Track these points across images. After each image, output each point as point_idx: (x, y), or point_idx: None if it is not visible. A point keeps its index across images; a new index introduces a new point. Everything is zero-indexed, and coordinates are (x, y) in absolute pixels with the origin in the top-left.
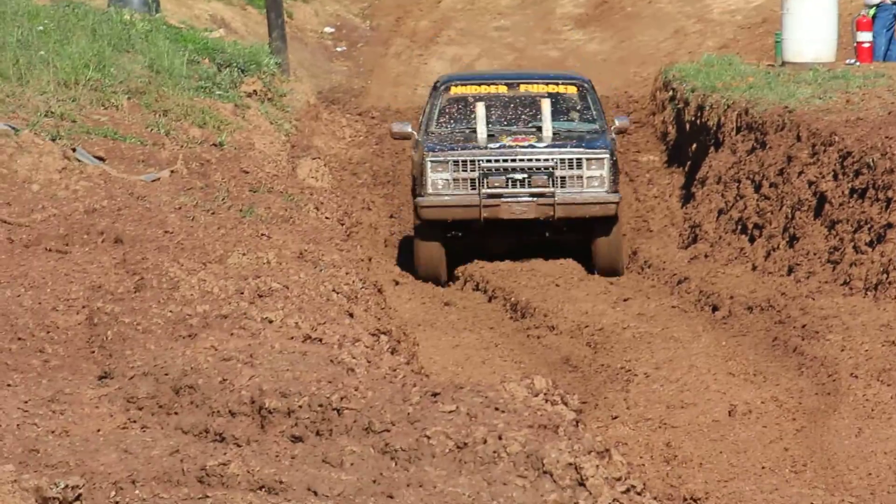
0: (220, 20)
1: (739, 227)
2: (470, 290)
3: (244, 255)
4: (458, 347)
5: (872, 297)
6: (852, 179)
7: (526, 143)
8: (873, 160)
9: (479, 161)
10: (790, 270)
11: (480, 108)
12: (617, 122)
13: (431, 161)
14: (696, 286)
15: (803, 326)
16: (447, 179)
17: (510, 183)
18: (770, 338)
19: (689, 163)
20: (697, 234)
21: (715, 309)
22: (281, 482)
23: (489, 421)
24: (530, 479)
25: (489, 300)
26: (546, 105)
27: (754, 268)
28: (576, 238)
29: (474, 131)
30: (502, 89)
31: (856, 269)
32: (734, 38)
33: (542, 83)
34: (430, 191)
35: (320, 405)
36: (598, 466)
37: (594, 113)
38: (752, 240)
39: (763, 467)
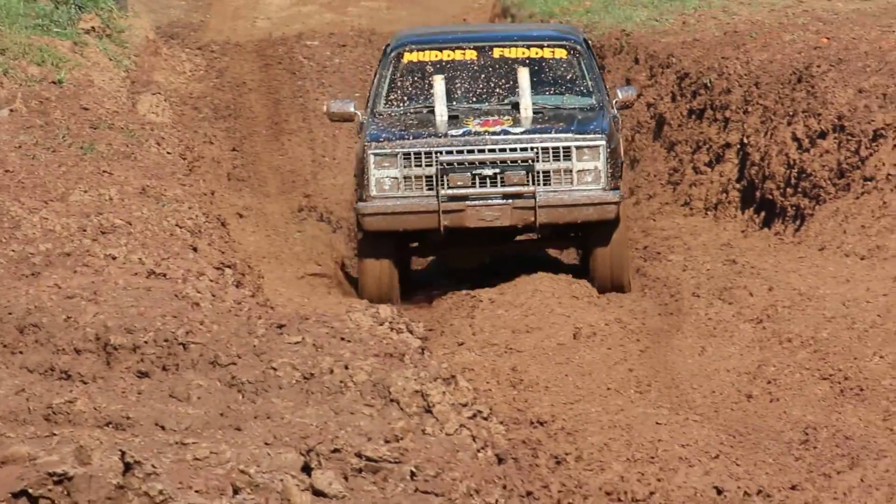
0: None
1: None
2: (314, 221)
3: (86, 192)
4: (303, 279)
5: (713, 216)
6: (690, 100)
7: (498, 128)
8: (710, 80)
9: (436, 153)
10: (631, 192)
11: (439, 83)
12: (620, 94)
13: (375, 154)
14: None
15: (645, 248)
16: (396, 178)
17: (478, 181)
18: None
19: None
20: None
21: None
22: (128, 418)
23: (335, 351)
24: (377, 407)
25: (334, 231)
26: (524, 75)
27: None
28: (566, 248)
29: (433, 111)
30: (471, 55)
31: (695, 189)
32: None
33: (523, 45)
34: (374, 193)
35: (166, 340)
36: (444, 393)
37: (590, 83)
38: None
39: (608, 388)
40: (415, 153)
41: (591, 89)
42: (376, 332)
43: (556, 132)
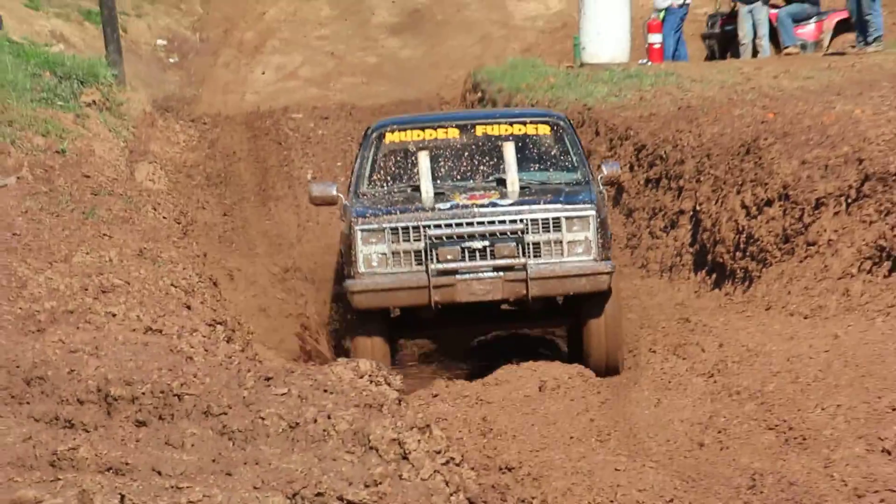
0: (59, 35)
1: None
2: (299, 281)
3: (87, 253)
4: (291, 336)
5: (667, 278)
6: (647, 170)
7: (486, 201)
8: (665, 152)
9: (424, 227)
10: None
11: (424, 159)
12: (605, 170)
13: (362, 230)
14: None
15: None
16: (384, 253)
17: (467, 254)
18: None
19: None
20: None
21: None
22: (127, 464)
23: (319, 402)
24: (358, 454)
25: (317, 290)
26: (509, 149)
27: None
28: (557, 325)
29: (417, 189)
30: (453, 133)
31: (652, 252)
32: (536, 42)
33: (506, 122)
34: (362, 270)
35: (162, 391)
36: (419, 441)
37: (574, 158)
38: None
39: (571, 437)
40: (402, 228)
41: (575, 164)
42: (356, 384)
43: (545, 203)
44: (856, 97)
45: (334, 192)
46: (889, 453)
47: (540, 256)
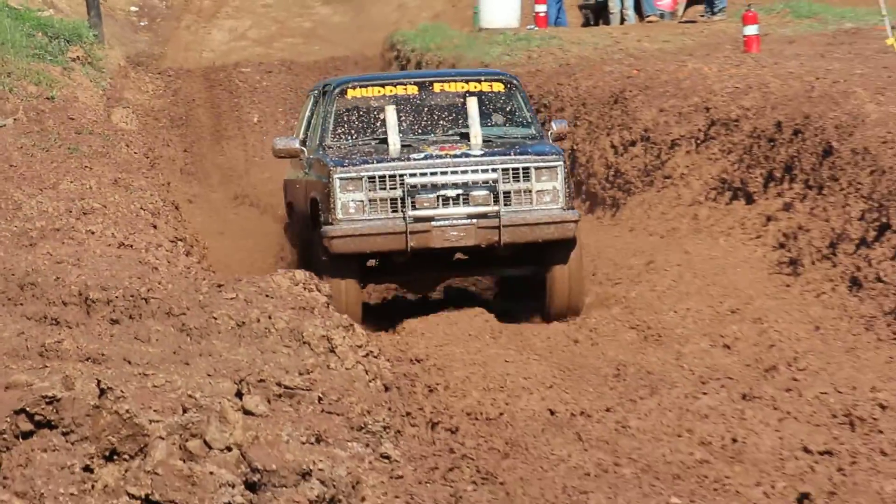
0: (49, 2)
1: None
2: (247, 206)
3: (72, 182)
4: (244, 250)
5: None
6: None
7: (458, 152)
8: (548, 101)
9: (400, 176)
10: None
11: (391, 113)
12: (554, 126)
13: (341, 178)
14: None
15: None
16: (361, 201)
17: (442, 202)
18: None
19: None
20: None
21: None
22: (103, 354)
23: (261, 305)
24: (293, 348)
25: (261, 213)
26: (473, 104)
27: None
28: (524, 270)
29: (383, 142)
30: (412, 90)
31: None
32: (443, 10)
33: (462, 80)
34: (340, 216)
35: (132, 295)
36: (344, 337)
37: (527, 115)
38: None
39: (469, 335)
40: (380, 176)
41: (529, 121)
42: (293, 290)
43: (515, 154)
44: (704, 57)
45: (297, 146)
46: (728, 348)
47: (510, 204)
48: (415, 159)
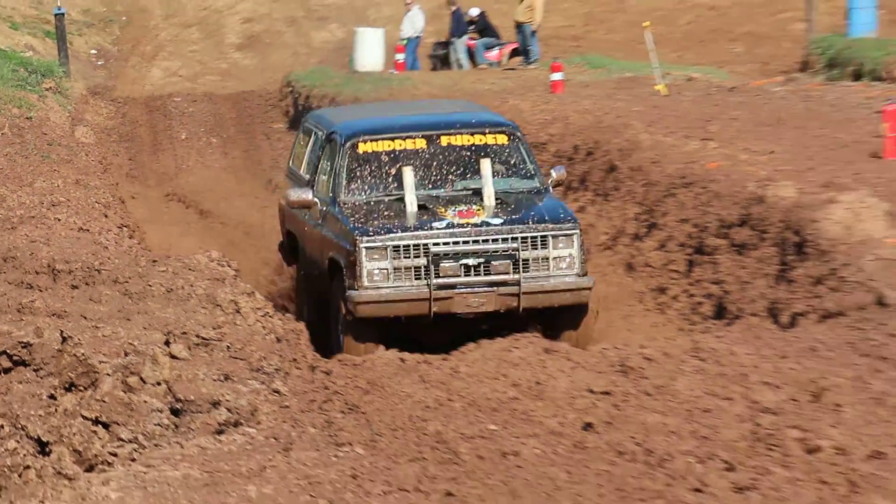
0: (30, 46)
1: None
2: (176, 202)
3: (44, 181)
4: (173, 234)
5: None
6: None
7: (478, 220)
8: None
9: (426, 245)
10: None
11: (409, 175)
12: (554, 174)
13: (367, 247)
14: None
15: None
16: (386, 269)
17: (464, 270)
18: None
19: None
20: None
21: None
22: (65, 311)
23: (185, 276)
24: (209, 309)
25: (186, 207)
26: (486, 166)
27: None
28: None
29: (398, 200)
30: (420, 143)
31: None
32: (327, 57)
33: (467, 133)
34: (366, 283)
35: (88, 267)
36: (247, 301)
37: (531, 167)
38: None
39: None
40: (404, 246)
41: (532, 172)
42: (209, 266)
43: (533, 222)
44: (521, 95)
45: (311, 197)
46: None
47: (529, 271)
48: (438, 229)
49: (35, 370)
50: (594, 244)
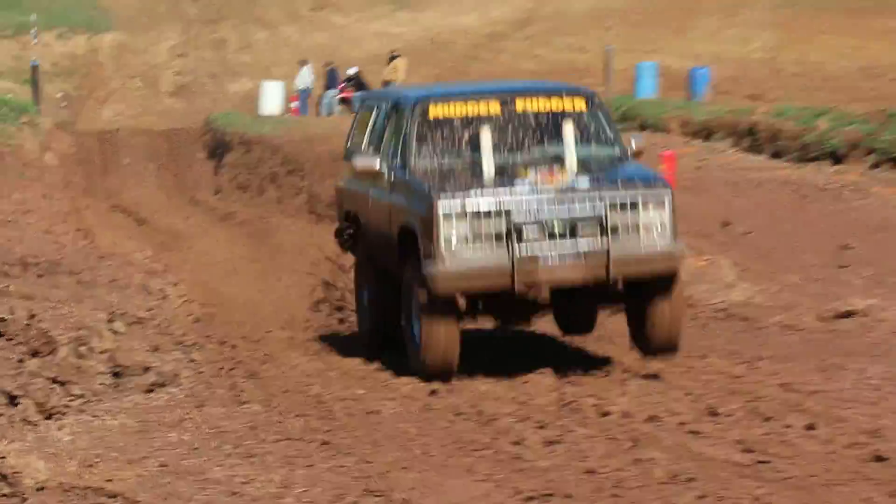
0: (10, 89)
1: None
2: (120, 212)
3: (19, 194)
4: (117, 237)
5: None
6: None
7: (563, 185)
8: (298, 160)
9: (508, 209)
10: None
11: (486, 135)
12: (634, 143)
13: (445, 211)
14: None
15: None
16: (466, 236)
17: (549, 236)
18: None
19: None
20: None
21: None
22: (33, 295)
23: (125, 269)
24: (143, 295)
25: (127, 216)
26: (569, 130)
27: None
28: (617, 305)
29: (473, 164)
30: (494, 108)
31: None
32: (241, 103)
33: (544, 97)
34: (445, 253)
35: (51, 261)
36: (173, 289)
37: (611, 133)
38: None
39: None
40: (485, 211)
41: (613, 139)
42: (144, 261)
43: (623, 187)
44: None
45: (377, 166)
46: None
47: (618, 238)
48: (521, 191)
49: (8, 340)
50: None
